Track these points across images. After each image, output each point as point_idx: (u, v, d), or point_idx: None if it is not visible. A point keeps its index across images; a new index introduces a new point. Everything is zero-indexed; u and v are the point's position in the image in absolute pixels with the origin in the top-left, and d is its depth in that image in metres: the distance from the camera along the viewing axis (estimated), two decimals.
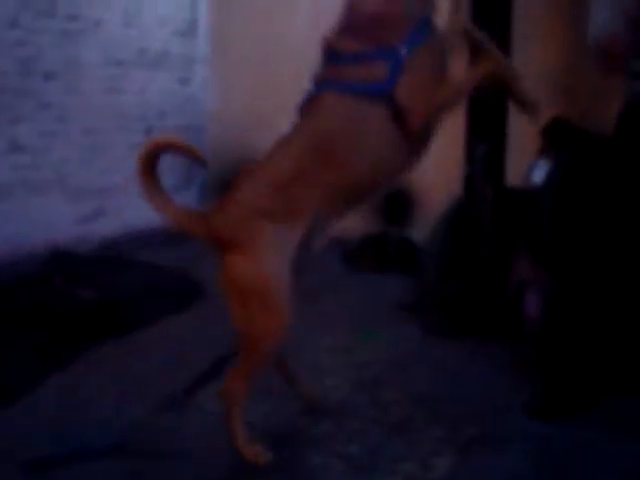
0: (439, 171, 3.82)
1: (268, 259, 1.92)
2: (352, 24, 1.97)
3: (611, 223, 2.20)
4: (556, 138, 3.15)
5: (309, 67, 4.55)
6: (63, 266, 3.72)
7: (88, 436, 2.16)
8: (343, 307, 3.46)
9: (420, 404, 2.39)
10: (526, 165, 3.33)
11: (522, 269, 3.01)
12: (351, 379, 2.61)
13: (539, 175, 3.13)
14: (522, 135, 3.35)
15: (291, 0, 4.51)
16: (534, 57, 3.60)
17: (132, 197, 4.49)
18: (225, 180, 4.87)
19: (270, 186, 1.96)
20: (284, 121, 4.70)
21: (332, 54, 2.02)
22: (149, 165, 2.00)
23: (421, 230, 3.52)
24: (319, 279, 3.90)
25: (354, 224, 3.74)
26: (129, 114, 4.46)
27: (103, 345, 2.90)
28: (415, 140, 1.97)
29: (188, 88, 4.87)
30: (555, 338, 2.43)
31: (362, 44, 1.93)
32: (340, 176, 1.95)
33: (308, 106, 2.06)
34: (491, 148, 3.03)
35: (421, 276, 3.45)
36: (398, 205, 4.15)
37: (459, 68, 2.09)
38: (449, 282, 3.21)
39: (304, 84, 4.67)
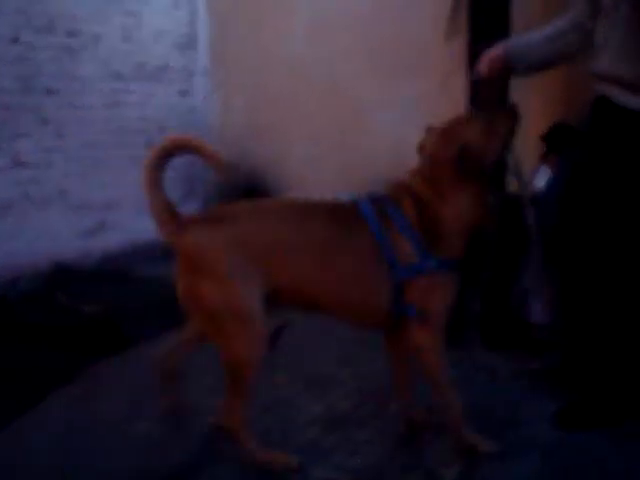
0: None
1: (236, 285, 1.89)
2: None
3: (619, 227, 2.18)
4: (557, 144, 3.14)
5: (305, 79, 4.62)
6: (66, 281, 3.73)
7: (96, 450, 2.16)
8: None
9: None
10: (528, 172, 3.32)
11: (527, 276, 3.00)
12: (357, 390, 2.60)
13: (542, 181, 3.12)
14: (523, 142, 3.35)
15: (287, 13, 4.53)
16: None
17: (134, 210, 4.53)
18: (228, 190, 4.91)
19: (255, 236, 1.94)
20: (282, 131, 4.78)
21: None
22: (159, 161, 1.95)
23: None
24: None
25: None
26: (129, 128, 4.47)
27: (108, 359, 2.90)
28: None
29: (188, 100, 4.88)
30: (574, 347, 2.39)
31: None
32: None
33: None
34: None
35: None
36: None
37: None
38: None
39: (300, 96, 4.73)
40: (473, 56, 2.99)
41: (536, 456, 2.10)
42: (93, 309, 3.25)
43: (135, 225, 4.46)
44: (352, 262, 1.96)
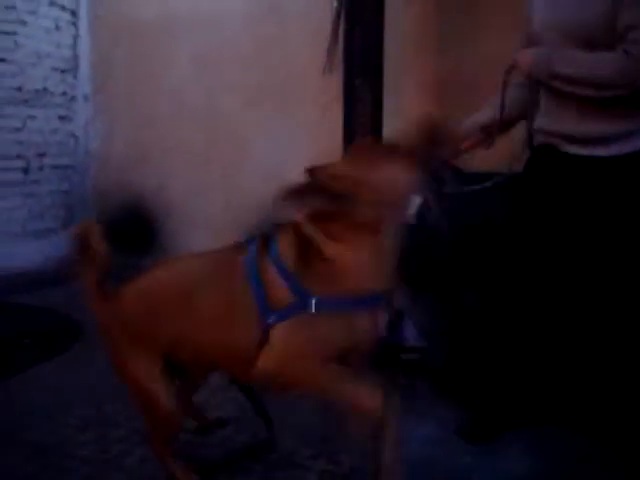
0: None
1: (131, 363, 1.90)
2: None
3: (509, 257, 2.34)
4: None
5: (189, 109, 4.62)
6: None
7: None
8: None
9: (303, 440, 2.40)
10: None
11: (399, 299, 3.10)
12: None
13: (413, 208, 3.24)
14: None
15: (172, 41, 4.52)
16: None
17: (7, 238, 4.34)
18: (108, 219, 4.79)
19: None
20: (165, 159, 4.74)
21: None
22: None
23: None
24: None
25: None
26: (6, 153, 4.29)
27: None
28: None
29: (68, 126, 4.75)
30: (465, 367, 2.55)
31: None
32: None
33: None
34: None
35: None
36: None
37: None
38: None
39: (183, 125, 4.72)
40: (349, 90, 3.12)
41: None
42: None
43: (5, 253, 4.28)
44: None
